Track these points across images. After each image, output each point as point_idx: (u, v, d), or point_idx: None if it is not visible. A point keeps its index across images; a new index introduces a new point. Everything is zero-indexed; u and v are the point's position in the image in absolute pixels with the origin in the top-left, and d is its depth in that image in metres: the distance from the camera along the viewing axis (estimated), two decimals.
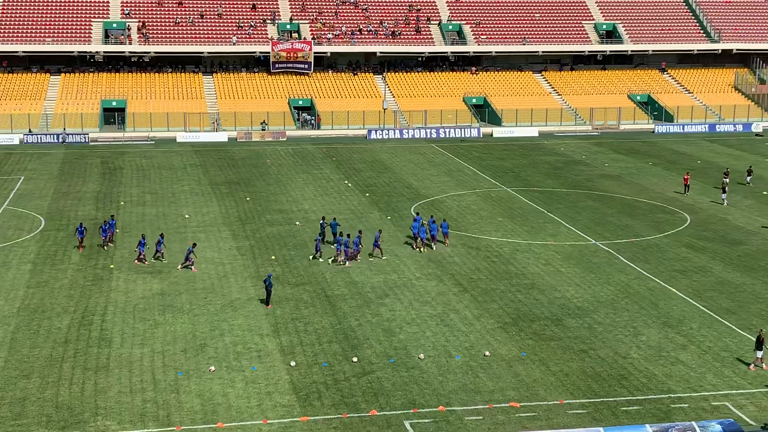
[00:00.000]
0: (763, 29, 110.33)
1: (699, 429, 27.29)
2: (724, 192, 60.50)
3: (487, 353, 34.36)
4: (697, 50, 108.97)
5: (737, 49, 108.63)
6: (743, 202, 60.91)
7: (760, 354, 33.18)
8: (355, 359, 33.75)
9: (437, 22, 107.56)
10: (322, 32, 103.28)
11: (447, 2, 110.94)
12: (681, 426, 27.53)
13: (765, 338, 33.38)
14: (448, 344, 35.41)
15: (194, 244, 46.59)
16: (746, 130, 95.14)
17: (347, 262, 45.93)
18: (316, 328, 37.16)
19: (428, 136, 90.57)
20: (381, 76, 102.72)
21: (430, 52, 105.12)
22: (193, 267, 45.02)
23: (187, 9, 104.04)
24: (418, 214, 52.50)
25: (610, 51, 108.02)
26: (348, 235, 47.18)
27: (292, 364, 33.33)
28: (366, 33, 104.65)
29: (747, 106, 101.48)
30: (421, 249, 48.62)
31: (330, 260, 46.37)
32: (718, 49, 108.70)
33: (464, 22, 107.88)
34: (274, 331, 36.81)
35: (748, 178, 67.11)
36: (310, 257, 46.90)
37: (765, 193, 63.57)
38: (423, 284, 42.95)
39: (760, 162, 75.95)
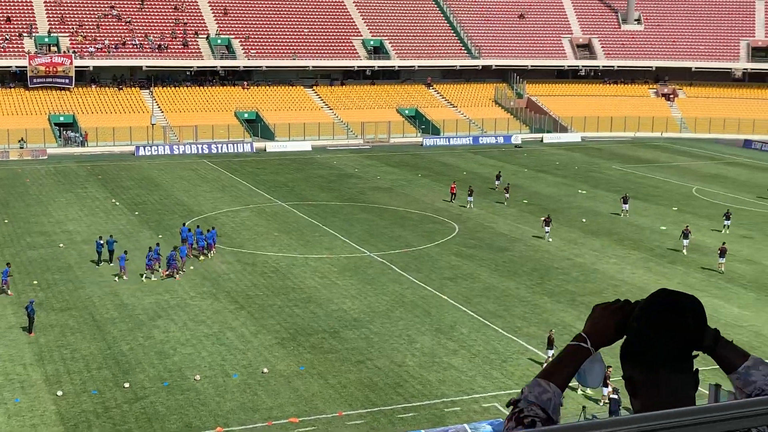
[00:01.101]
0: (518, 47, 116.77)
1: (470, 430, 28.17)
2: (471, 196, 64.71)
3: (266, 370, 33.96)
4: (460, 66, 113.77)
5: (496, 65, 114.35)
6: (507, 210, 63.95)
7: (551, 353, 34.97)
8: (127, 385, 32.36)
9: (205, 36, 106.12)
10: (84, 45, 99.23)
11: (215, 16, 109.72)
12: (453, 429, 28.33)
13: (555, 338, 35.27)
14: (225, 363, 34.70)
15: (8, 264, 43.96)
16: (506, 141, 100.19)
17: (177, 275, 45.24)
18: (84, 354, 35.33)
19: (200, 151, 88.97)
20: (148, 90, 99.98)
21: (198, 67, 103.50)
22: (9, 291, 42.34)
23: None
24: (184, 224, 53.11)
25: (378, 66, 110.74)
26: (150, 248, 46.50)
27: (59, 393, 31.48)
28: (131, 46, 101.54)
29: (507, 119, 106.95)
30: (199, 257, 48.77)
31: (144, 277, 45.10)
32: (478, 65, 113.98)
33: (233, 36, 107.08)
34: (38, 360, 34.65)
35: (497, 183, 71.36)
36: (122, 277, 44.94)
37: (525, 201, 67.01)
38: (198, 303, 41.93)
39: (519, 172, 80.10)
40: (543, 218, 56.31)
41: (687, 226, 53.92)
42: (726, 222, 58.50)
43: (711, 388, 16.97)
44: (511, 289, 45.20)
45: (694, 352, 3.05)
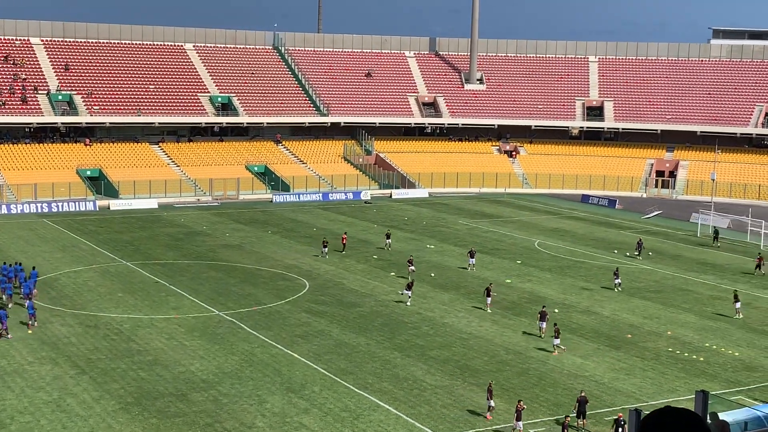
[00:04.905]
0: (366, 104, 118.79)
1: None
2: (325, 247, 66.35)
3: None
4: (309, 123, 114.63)
5: (344, 123, 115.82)
6: (356, 266, 64.27)
7: (492, 403, 35.33)
8: None
9: (45, 91, 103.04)
10: None
11: (55, 72, 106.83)
12: None
13: (493, 388, 35.86)
14: (66, 431, 33.15)
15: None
16: (356, 197, 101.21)
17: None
18: None
19: (39, 210, 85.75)
20: None
21: (38, 123, 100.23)
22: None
23: None
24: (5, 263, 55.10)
25: (227, 123, 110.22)
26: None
27: None
28: None
29: (356, 175, 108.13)
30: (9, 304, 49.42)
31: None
32: (327, 122, 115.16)
33: (75, 92, 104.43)
34: None
35: (387, 242, 70.31)
36: None
37: (375, 257, 67.55)
38: (36, 369, 40.04)
39: (369, 228, 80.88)
40: (407, 283, 55.37)
41: (490, 284, 54.66)
42: (617, 280, 58.76)
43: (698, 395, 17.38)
44: (361, 345, 45.25)
45: None
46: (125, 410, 35.49)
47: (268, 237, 75.15)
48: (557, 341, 44.61)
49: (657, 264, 68.01)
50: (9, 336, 44.31)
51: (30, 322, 46.40)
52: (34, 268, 55.80)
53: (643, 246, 71.32)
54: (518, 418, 33.52)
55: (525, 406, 34.18)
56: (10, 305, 49.51)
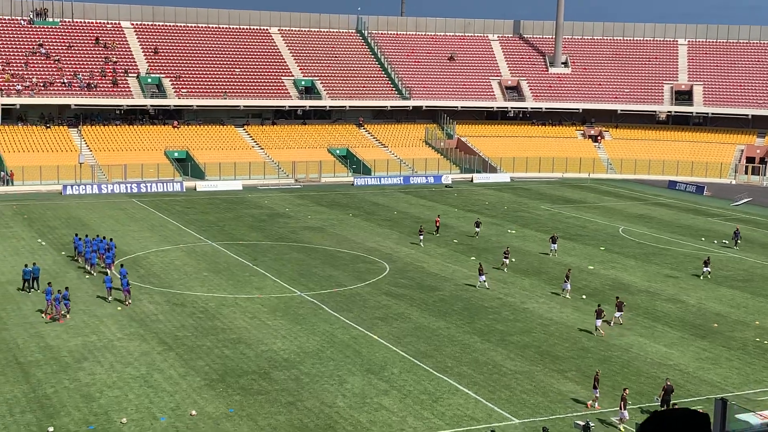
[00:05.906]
0: (448, 88, 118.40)
1: None
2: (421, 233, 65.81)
3: (194, 412, 33.43)
4: (390, 107, 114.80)
5: (426, 106, 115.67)
6: (437, 250, 64.31)
7: (596, 393, 35.20)
8: (51, 429, 31.53)
9: (135, 74, 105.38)
10: (11, 83, 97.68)
11: (145, 55, 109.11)
12: None
13: (600, 378, 35.66)
14: (153, 406, 34.09)
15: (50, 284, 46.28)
16: (437, 181, 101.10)
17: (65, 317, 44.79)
18: (7, 398, 34.39)
19: (129, 191, 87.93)
20: (77, 129, 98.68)
21: (128, 105, 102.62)
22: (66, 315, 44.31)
23: None
24: (76, 235, 58.92)
25: (310, 106, 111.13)
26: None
27: None
28: (59, 85, 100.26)
29: (437, 159, 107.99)
30: (93, 273, 52.93)
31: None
32: (409, 106, 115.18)
33: (164, 75, 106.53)
34: None
35: (477, 230, 69.09)
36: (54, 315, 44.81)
37: (455, 241, 67.48)
38: (125, 345, 41.21)
39: (449, 211, 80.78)
40: (478, 267, 54.87)
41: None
42: (705, 269, 57.59)
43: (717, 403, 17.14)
44: (441, 328, 45.34)
45: None
46: (210, 387, 36.30)
47: (349, 220, 75.68)
48: (599, 322, 44.49)
49: (746, 252, 66.39)
50: (128, 303, 47.43)
51: (125, 298, 47.78)
52: (111, 239, 57.90)
53: (740, 236, 69.14)
54: (624, 407, 33.07)
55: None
56: (94, 274, 53.23)
